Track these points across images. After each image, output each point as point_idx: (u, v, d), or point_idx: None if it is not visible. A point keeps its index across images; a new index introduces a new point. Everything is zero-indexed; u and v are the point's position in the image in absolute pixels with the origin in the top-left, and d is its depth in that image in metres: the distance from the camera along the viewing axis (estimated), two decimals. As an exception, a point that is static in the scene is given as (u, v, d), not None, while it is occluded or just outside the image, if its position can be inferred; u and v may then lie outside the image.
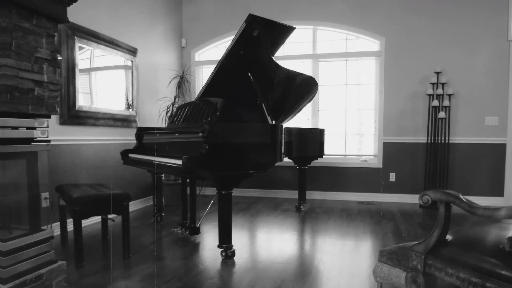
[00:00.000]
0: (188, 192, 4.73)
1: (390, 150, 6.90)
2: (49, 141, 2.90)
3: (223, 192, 3.71)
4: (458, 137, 6.53)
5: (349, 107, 7.19)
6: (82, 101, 5.06)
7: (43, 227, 2.89)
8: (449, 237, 1.97)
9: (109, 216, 4.10)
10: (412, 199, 6.72)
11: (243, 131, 3.80)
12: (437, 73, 6.40)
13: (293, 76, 5.07)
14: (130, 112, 6.07)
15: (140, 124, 6.23)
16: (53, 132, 4.34)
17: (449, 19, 6.51)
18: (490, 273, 1.66)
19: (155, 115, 6.76)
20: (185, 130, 4.13)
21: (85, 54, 5.16)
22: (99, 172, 5.32)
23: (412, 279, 1.99)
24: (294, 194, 6.64)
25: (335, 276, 3.32)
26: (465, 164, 6.54)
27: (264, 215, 5.74)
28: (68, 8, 2.89)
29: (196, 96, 5.19)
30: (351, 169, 7.13)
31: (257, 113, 4.66)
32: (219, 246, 3.79)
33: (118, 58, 5.78)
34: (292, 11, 7.22)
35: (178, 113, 4.88)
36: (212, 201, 5.60)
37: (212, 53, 7.91)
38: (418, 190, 6.65)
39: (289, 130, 5.17)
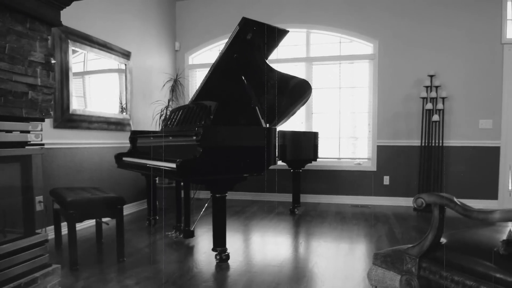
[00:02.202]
0: (182, 195, 4.72)
1: (384, 153, 6.92)
2: (43, 144, 2.88)
3: (217, 195, 3.71)
4: (452, 140, 6.56)
5: (343, 110, 7.21)
6: (76, 105, 5.04)
7: (37, 231, 2.87)
8: (443, 240, 1.98)
9: (103, 219, 4.09)
10: (406, 202, 6.74)
11: (237, 134, 3.80)
12: (431, 76, 6.43)
13: (286, 79, 5.08)
14: (124, 115, 6.05)
15: (134, 127, 6.22)
16: (47, 135, 4.33)
17: (443, 22, 6.54)
18: (484, 276, 1.67)
19: (149, 118, 6.75)
20: (179, 133, 4.13)
21: (79, 58, 5.15)
22: (93, 175, 5.30)
23: (407, 282, 2.00)
24: (288, 197, 6.65)
25: (329, 279, 3.32)
26: (459, 167, 6.57)
27: (258, 218, 5.74)
28: (61, 11, 2.89)
29: (190, 100, 5.19)
30: (345, 172, 7.14)
31: (251, 116, 4.66)
32: (213, 250, 3.78)
33: (111, 61, 5.77)
34: (285, 14, 7.23)
35: (172, 117, 4.88)
36: (206, 205, 5.60)
37: (205, 56, 7.91)
38: (412, 193, 6.68)
39: (283, 133, 5.17)
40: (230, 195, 3.87)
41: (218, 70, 4.48)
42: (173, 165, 3.47)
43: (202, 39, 7.76)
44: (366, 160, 7.11)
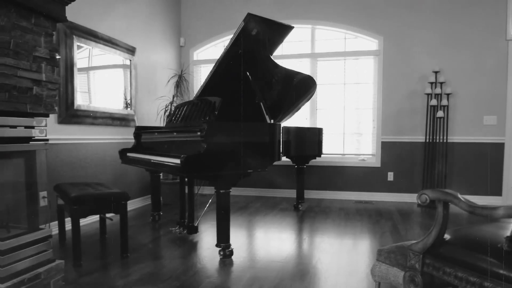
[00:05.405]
0: (186, 191, 4.73)
1: (388, 149, 6.91)
2: (47, 140, 2.89)
3: (221, 191, 3.71)
4: (457, 136, 6.54)
5: (347, 106, 7.19)
6: (81, 100, 5.05)
7: (41, 226, 2.88)
8: (447, 236, 1.97)
9: (107, 215, 4.10)
10: (410, 198, 6.73)
11: (241, 130, 3.80)
12: (436, 72, 6.41)
13: (291, 75, 5.07)
14: (129, 111, 6.06)
15: (138, 123, 6.23)
16: (51, 131, 4.34)
17: (448, 18, 6.52)
18: (488, 272, 1.66)
19: (154, 114, 6.75)
20: (183, 129, 4.13)
21: (84, 53, 5.15)
22: (97, 171, 5.32)
23: (410, 278, 2.00)
24: (292, 193, 6.65)
25: (333, 275, 3.32)
26: (463, 163, 6.55)
27: (262, 214, 5.74)
28: (66, 7, 2.89)
29: (194, 95, 5.19)
30: (349, 168, 7.13)
31: (256, 112, 4.65)
32: (217, 245, 3.79)
33: (116, 57, 5.77)
34: (290, 10, 7.22)
35: (176, 112, 4.88)
36: (210, 200, 5.60)
37: (210, 52, 7.91)
38: (416, 189, 6.67)
39: (287, 129, 5.17)
40: (234, 191, 3.87)
41: (222, 66, 4.48)
42: (177, 161, 3.47)
43: (207, 35, 7.75)
44: (370, 156, 7.10)
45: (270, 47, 4.87)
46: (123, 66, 6.01)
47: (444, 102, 6.35)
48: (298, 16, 7.17)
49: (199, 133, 3.57)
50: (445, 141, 6.46)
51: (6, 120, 2.55)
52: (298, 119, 7.12)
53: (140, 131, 5.06)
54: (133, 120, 6.15)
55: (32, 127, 2.77)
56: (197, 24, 7.79)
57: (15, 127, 2.62)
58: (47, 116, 2.88)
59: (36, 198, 2.85)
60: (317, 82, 5.66)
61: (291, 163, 6.25)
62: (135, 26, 6.29)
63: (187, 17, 7.84)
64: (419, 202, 1.96)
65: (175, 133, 4.20)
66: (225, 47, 4.50)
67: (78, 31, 4.94)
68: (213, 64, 4.52)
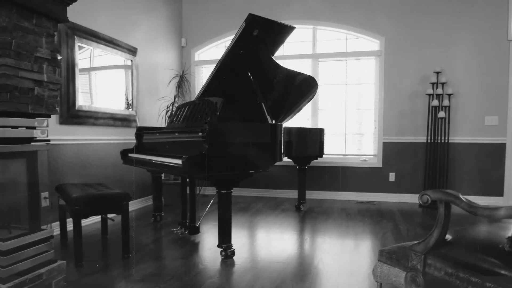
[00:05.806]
0: (188, 191, 4.73)
1: (390, 150, 6.90)
2: (48, 140, 2.89)
3: (223, 191, 3.71)
4: (458, 137, 6.53)
5: (349, 106, 7.19)
6: (82, 101, 5.05)
7: (42, 227, 2.88)
8: (448, 236, 1.97)
9: (109, 215, 4.10)
10: (411, 198, 6.72)
11: (242, 131, 3.80)
12: (437, 72, 6.40)
13: (293, 75, 5.06)
14: (130, 111, 6.06)
15: (139, 123, 6.23)
16: (53, 131, 4.34)
17: (449, 18, 6.51)
18: (489, 273, 1.66)
19: (155, 114, 6.76)
20: (185, 129, 4.13)
21: (85, 54, 5.16)
22: (98, 171, 5.32)
23: (412, 278, 1.99)
24: (293, 194, 6.64)
25: (334, 276, 3.32)
26: (464, 164, 6.54)
27: (263, 215, 5.74)
28: (68, 7, 2.89)
29: (195, 96, 5.19)
30: (351, 169, 7.12)
31: (257, 112, 4.65)
32: (218, 246, 3.79)
33: (118, 57, 5.78)
34: (292, 11, 7.21)
35: (177, 113, 4.88)
36: (212, 201, 5.60)
37: (212, 52, 7.91)
38: (417, 189, 6.65)
39: (289, 130, 5.17)
40: (236, 192, 3.87)
41: (224, 67, 4.47)
42: (179, 161, 3.47)
43: (209, 36, 7.75)
44: (372, 156, 7.09)
45: (271, 48, 4.87)
46: (125, 67, 6.01)
47: (446, 102, 6.34)
48: (299, 17, 7.17)
49: (200, 134, 3.57)
50: (446, 141, 6.46)
51: (7, 121, 2.55)
52: (300, 120, 7.12)
53: (142, 131, 5.06)
54: (135, 120, 6.15)
55: (34, 128, 2.77)
56: (199, 25, 7.79)
57: (16, 127, 2.63)
58: (49, 116, 2.88)
59: (37, 199, 2.86)
60: (319, 82, 5.66)
61: (292, 164, 6.25)
62: (137, 27, 6.29)
63: (188, 17, 7.85)
64: (421, 202, 1.96)
65: (176, 134, 4.19)
66: (226, 47, 4.49)
67: (79, 31, 4.95)
68: (215, 65, 4.51)
